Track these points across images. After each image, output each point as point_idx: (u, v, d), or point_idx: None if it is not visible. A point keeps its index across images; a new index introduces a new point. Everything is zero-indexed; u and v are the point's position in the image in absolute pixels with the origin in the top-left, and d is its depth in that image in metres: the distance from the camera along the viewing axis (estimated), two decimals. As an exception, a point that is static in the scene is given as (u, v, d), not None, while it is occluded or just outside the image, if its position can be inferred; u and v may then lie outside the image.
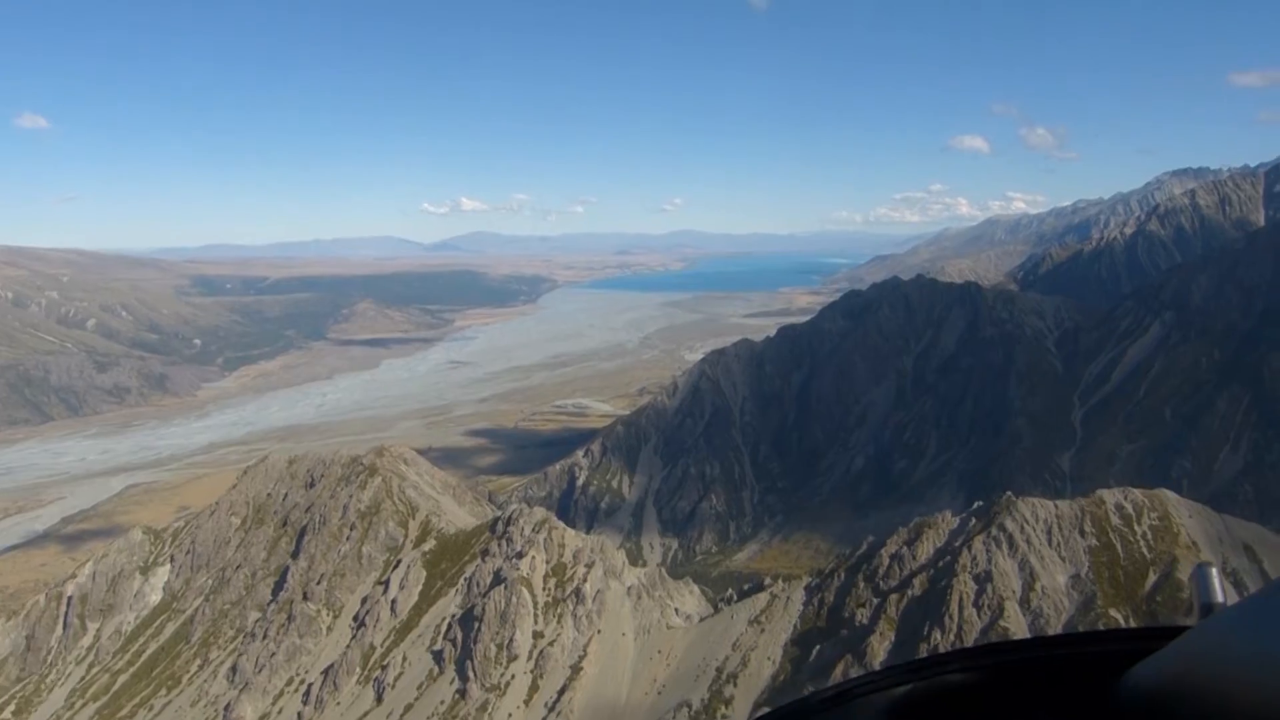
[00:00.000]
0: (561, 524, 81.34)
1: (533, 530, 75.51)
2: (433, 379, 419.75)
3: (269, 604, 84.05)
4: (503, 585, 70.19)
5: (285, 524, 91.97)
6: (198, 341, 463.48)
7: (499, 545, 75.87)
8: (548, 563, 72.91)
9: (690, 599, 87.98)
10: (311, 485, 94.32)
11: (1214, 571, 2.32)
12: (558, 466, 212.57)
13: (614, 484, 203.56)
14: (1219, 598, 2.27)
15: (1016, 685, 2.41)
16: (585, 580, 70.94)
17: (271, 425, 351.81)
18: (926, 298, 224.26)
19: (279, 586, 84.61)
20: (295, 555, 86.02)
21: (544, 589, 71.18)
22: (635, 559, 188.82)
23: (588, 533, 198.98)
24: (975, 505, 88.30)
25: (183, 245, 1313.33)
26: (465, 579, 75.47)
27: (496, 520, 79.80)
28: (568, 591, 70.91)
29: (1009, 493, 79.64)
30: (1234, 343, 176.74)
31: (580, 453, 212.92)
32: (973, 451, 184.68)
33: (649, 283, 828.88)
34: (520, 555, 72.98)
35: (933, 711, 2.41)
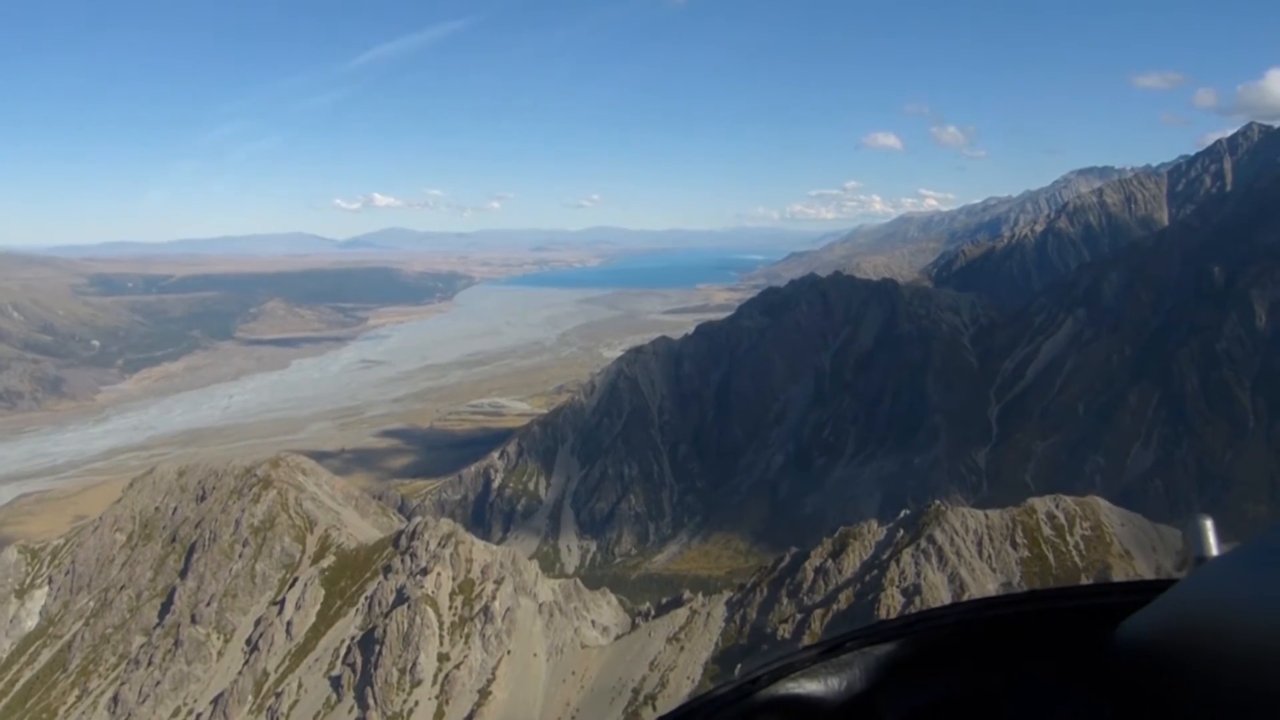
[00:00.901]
0: (470, 537, 76.64)
1: (438, 544, 70.78)
2: (345, 379, 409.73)
3: (155, 628, 77.71)
4: (406, 604, 65.46)
5: (174, 540, 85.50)
6: (96, 343, 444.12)
7: (402, 561, 71.00)
8: (454, 579, 68.26)
9: (608, 610, 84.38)
10: (203, 498, 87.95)
11: (1209, 524, 2.31)
12: (473, 469, 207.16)
13: (531, 486, 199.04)
14: (1214, 550, 2.27)
15: (1011, 637, 2.43)
16: (494, 598, 66.55)
17: (174, 429, 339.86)
18: (844, 294, 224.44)
19: (166, 609, 78.30)
20: (184, 574, 79.72)
21: (450, 608, 66.52)
22: (553, 562, 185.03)
23: (504, 535, 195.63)
24: (902, 514, 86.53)
25: (81, 243, 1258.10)
26: (366, 598, 70.42)
27: (400, 534, 74.81)
28: (475, 610, 66.43)
29: (938, 502, 77.75)
30: (1144, 339, 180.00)
31: (496, 454, 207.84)
32: (891, 449, 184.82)
33: (567, 279, 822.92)
34: (425, 572, 68.24)
35: (928, 663, 2.40)
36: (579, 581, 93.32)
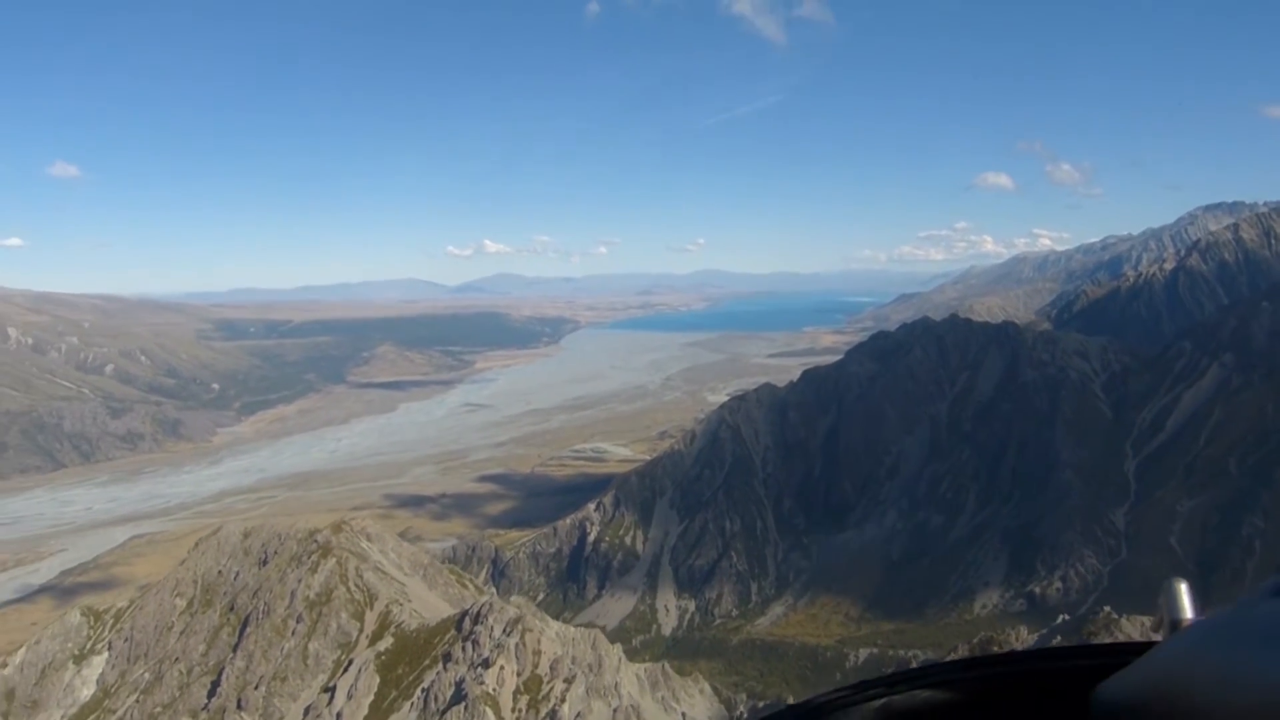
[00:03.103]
0: (540, 623, 68.13)
1: (503, 631, 62.57)
2: (449, 422, 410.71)
3: (202, 709, 71.82)
4: (463, 704, 57.57)
5: (231, 609, 79.78)
6: (215, 386, 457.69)
7: (463, 649, 63.13)
8: (519, 674, 59.92)
9: (700, 701, 74.95)
10: (265, 563, 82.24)
11: (1183, 588, 2.31)
12: (568, 520, 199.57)
13: (627, 540, 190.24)
14: (1188, 614, 2.27)
15: (991, 697, 2.41)
16: (564, 700, 57.97)
17: (283, 472, 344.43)
18: (960, 339, 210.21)
19: (215, 688, 72.45)
20: (236, 649, 73.84)
21: (513, 709, 58.22)
22: (649, 623, 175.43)
23: (599, 592, 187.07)
24: (1060, 620, 72.74)
25: (210, 290, 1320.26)
26: (423, 690, 62.76)
27: (464, 614, 67.02)
28: (541, 715, 57.91)
29: (1108, 609, 63.30)
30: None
31: (591, 506, 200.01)
32: (1016, 507, 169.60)
33: (672, 323, 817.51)
34: (486, 664, 60.19)
35: None
36: (667, 667, 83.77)
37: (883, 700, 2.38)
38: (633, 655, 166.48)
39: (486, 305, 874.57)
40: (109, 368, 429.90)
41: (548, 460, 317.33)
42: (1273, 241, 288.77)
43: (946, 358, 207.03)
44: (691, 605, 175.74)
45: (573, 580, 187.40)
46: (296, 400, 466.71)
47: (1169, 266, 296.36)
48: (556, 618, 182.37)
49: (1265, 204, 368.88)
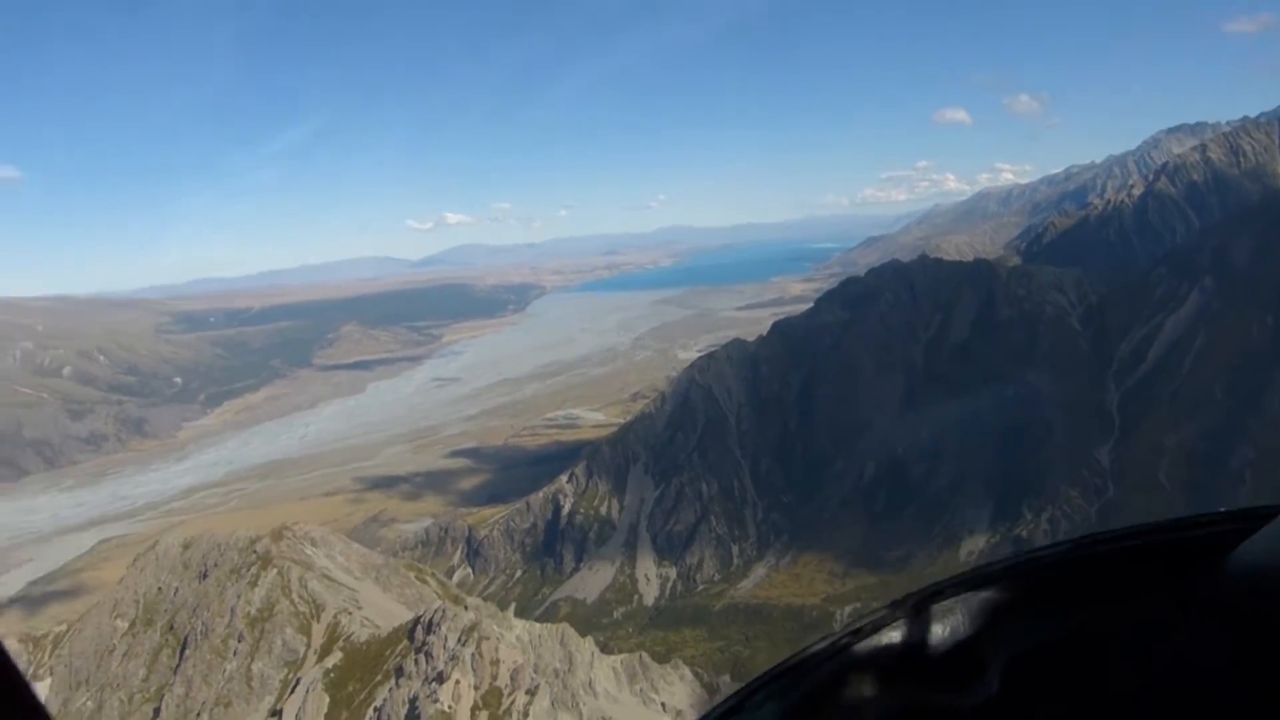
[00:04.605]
0: (497, 628, 62.00)
1: (458, 641, 56.69)
2: (418, 399, 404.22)
3: (143, 742, 66.08)
4: (416, 724, 51.89)
5: (171, 629, 73.72)
6: (178, 380, 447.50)
7: (416, 662, 57.39)
8: (476, 688, 54.09)
9: (680, 688, 69.88)
10: (205, 576, 75.93)
11: None
12: (540, 494, 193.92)
13: (602, 510, 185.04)
14: None
15: (1119, 572, 2.32)
16: (526, 715, 52.30)
17: (252, 462, 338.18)
18: (932, 280, 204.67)
19: (158, 715, 66.52)
20: (176, 673, 67.84)
21: (471, 728, 52.70)
22: (630, 594, 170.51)
23: (577, 565, 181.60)
24: None
25: (168, 283, 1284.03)
26: (375, 710, 57.12)
27: (416, 623, 61.08)
28: (503, 732, 52.39)
29: None
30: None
31: (564, 478, 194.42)
32: (998, 449, 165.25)
33: (638, 281, 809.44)
34: (441, 679, 54.44)
35: (1033, 604, 2.30)
36: (645, 657, 78.31)
37: (1004, 581, 2.29)
38: (615, 628, 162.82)
39: (450, 277, 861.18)
40: (67, 369, 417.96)
41: (520, 431, 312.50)
42: (1241, 160, 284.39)
43: (919, 301, 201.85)
44: (672, 572, 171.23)
45: (549, 555, 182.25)
46: (262, 388, 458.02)
47: (1137, 192, 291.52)
48: (535, 594, 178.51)
49: (1228, 123, 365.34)
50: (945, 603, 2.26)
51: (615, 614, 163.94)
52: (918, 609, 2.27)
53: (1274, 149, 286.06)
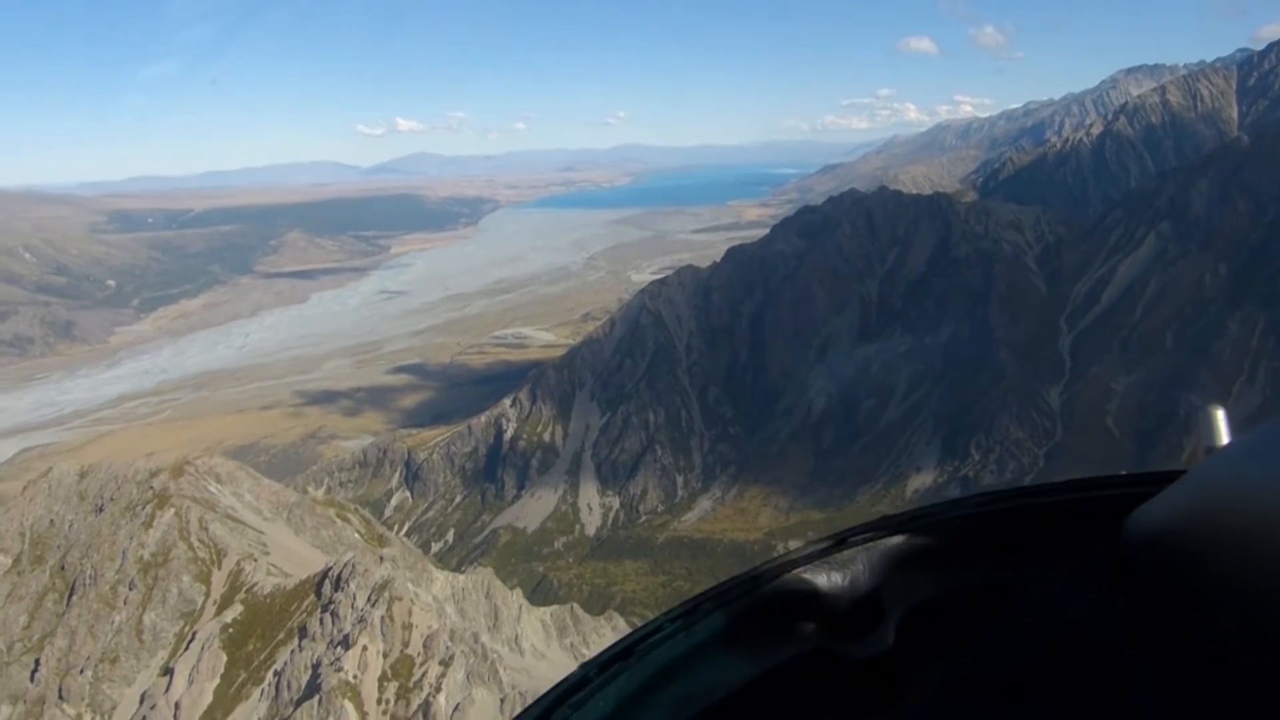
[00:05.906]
0: (412, 586, 56.93)
1: (367, 601, 51.62)
2: (364, 312, 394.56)
3: (23, 696, 60.57)
4: (317, 697, 46.97)
5: (63, 569, 67.86)
6: (111, 283, 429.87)
7: (321, 622, 52.21)
8: (385, 655, 49.06)
9: (613, 640, 65.36)
10: (100, 510, 69.82)
11: (1221, 414, 2.19)
12: (483, 418, 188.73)
13: (545, 436, 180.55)
14: (1225, 440, 2.17)
15: (1019, 530, 2.31)
16: (439, 689, 47.44)
17: (187, 372, 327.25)
18: (890, 212, 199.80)
19: (36, 671, 61.04)
20: (61, 622, 62.10)
21: (378, 700, 47.66)
22: (571, 524, 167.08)
23: (519, 493, 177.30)
24: None
25: (105, 179, 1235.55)
26: (275, 673, 52.10)
27: (324, 577, 55.72)
28: (413, 707, 47.32)
29: None
30: (1243, 257, 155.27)
31: (507, 401, 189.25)
32: (949, 388, 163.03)
33: (594, 199, 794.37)
34: (347, 644, 49.36)
35: (934, 556, 2.29)
36: (576, 609, 74.09)
37: (907, 533, 2.28)
38: (555, 558, 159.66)
39: (402, 187, 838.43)
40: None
41: (467, 348, 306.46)
42: (1199, 105, 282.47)
43: (876, 233, 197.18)
44: (615, 502, 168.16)
45: (490, 480, 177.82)
46: (200, 294, 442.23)
47: (1096, 132, 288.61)
48: (474, 521, 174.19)
49: (1185, 66, 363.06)
50: (848, 551, 2.27)
51: (556, 544, 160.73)
52: (821, 556, 2.26)
53: (1230, 94, 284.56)
